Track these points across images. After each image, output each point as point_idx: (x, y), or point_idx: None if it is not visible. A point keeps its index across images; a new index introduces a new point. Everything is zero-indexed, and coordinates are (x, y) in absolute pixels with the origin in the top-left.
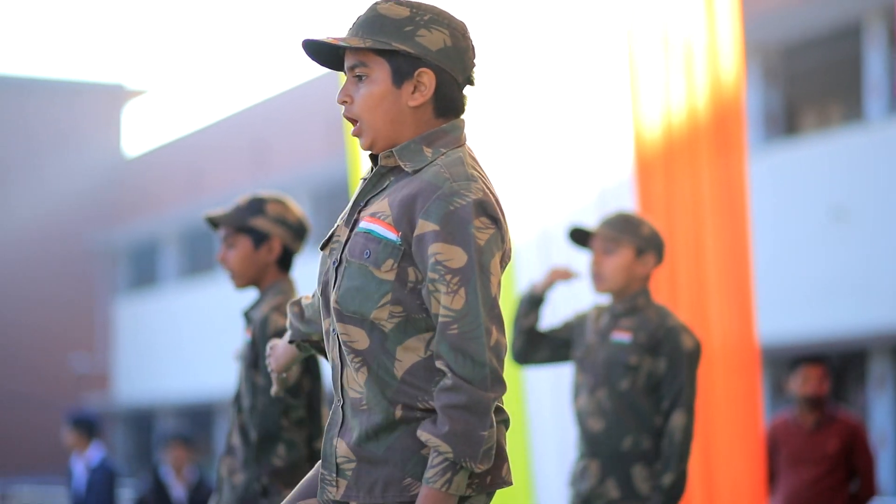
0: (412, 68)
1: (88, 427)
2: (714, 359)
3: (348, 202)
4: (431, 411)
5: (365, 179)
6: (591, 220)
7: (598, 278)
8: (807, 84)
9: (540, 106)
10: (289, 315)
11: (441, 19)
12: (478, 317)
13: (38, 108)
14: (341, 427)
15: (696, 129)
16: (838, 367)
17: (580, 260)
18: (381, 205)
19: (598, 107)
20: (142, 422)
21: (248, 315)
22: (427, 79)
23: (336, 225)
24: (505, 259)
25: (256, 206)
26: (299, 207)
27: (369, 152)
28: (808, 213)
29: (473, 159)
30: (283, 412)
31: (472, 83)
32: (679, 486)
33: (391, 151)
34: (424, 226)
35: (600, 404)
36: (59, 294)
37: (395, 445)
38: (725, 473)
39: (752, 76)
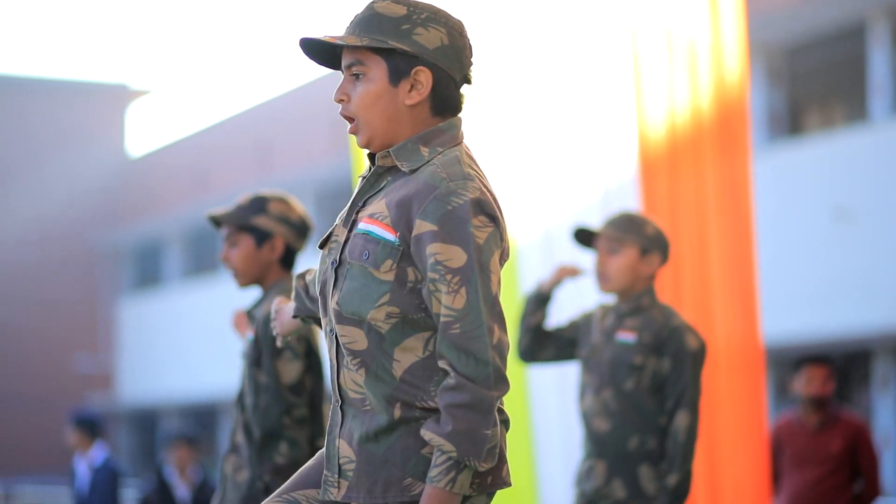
0: (409, 67)
1: (91, 427)
2: (718, 359)
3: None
4: (431, 411)
5: (364, 178)
6: (594, 220)
7: (603, 278)
8: (810, 84)
9: (544, 106)
10: (295, 287)
11: (438, 18)
12: (479, 316)
13: (41, 108)
14: (341, 427)
15: (700, 129)
16: (842, 368)
17: (584, 259)
18: (378, 205)
19: (602, 107)
20: (145, 422)
21: (251, 313)
22: (424, 77)
23: (334, 224)
24: (504, 257)
25: (259, 204)
26: (302, 206)
27: (367, 151)
28: (812, 213)
29: (470, 158)
30: (285, 410)
31: (469, 82)
32: (684, 486)
33: (388, 152)
34: (422, 226)
35: (606, 404)
36: (63, 294)
37: (395, 445)
38: (729, 474)
39: (756, 76)
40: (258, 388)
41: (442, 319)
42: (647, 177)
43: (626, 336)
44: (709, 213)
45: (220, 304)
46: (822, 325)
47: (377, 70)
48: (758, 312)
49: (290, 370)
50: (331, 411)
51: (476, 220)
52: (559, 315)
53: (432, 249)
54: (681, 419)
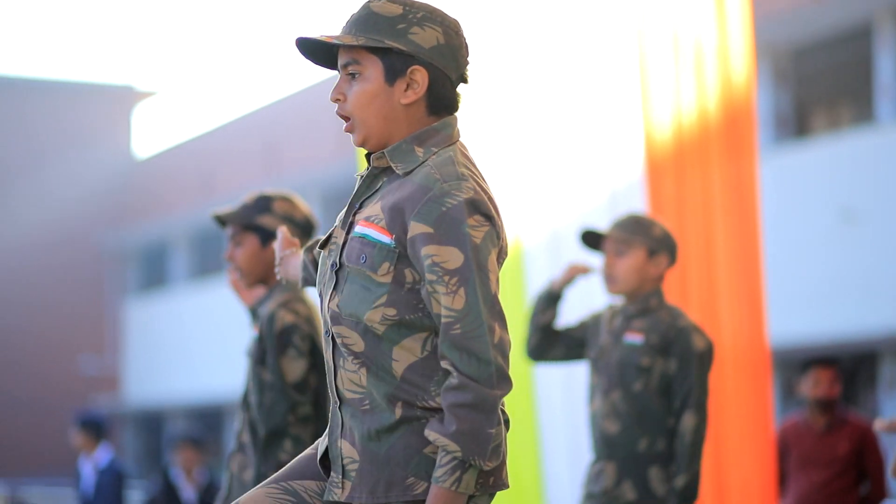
0: (405, 66)
1: (96, 428)
2: (724, 360)
3: None
4: (431, 410)
5: (361, 177)
6: (601, 222)
7: (611, 280)
8: (817, 86)
9: (550, 107)
10: (303, 258)
11: (434, 17)
12: (479, 315)
13: (47, 109)
14: (342, 428)
15: (707, 130)
16: (848, 370)
17: (592, 261)
18: (374, 208)
19: (609, 108)
20: (151, 423)
21: (255, 311)
22: (420, 76)
23: (334, 226)
24: (502, 255)
25: (263, 203)
26: (306, 205)
27: (364, 151)
28: (819, 214)
29: (465, 157)
30: (289, 408)
31: (465, 81)
32: (692, 487)
33: (383, 153)
34: (417, 228)
35: (615, 406)
36: (69, 296)
37: (397, 445)
38: (736, 475)
39: (763, 78)
40: (262, 385)
41: (442, 320)
42: (653, 178)
43: (634, 337)
44: (715, 215)
45: (226, 306)
46: (828, 327)
47: (373, 69)
48: (764, 313)
49: (295, 368)
50: (330, 413)
51: (471, 219)
52: (568, 315)
53: (428, 251)
54: (687, 420)
